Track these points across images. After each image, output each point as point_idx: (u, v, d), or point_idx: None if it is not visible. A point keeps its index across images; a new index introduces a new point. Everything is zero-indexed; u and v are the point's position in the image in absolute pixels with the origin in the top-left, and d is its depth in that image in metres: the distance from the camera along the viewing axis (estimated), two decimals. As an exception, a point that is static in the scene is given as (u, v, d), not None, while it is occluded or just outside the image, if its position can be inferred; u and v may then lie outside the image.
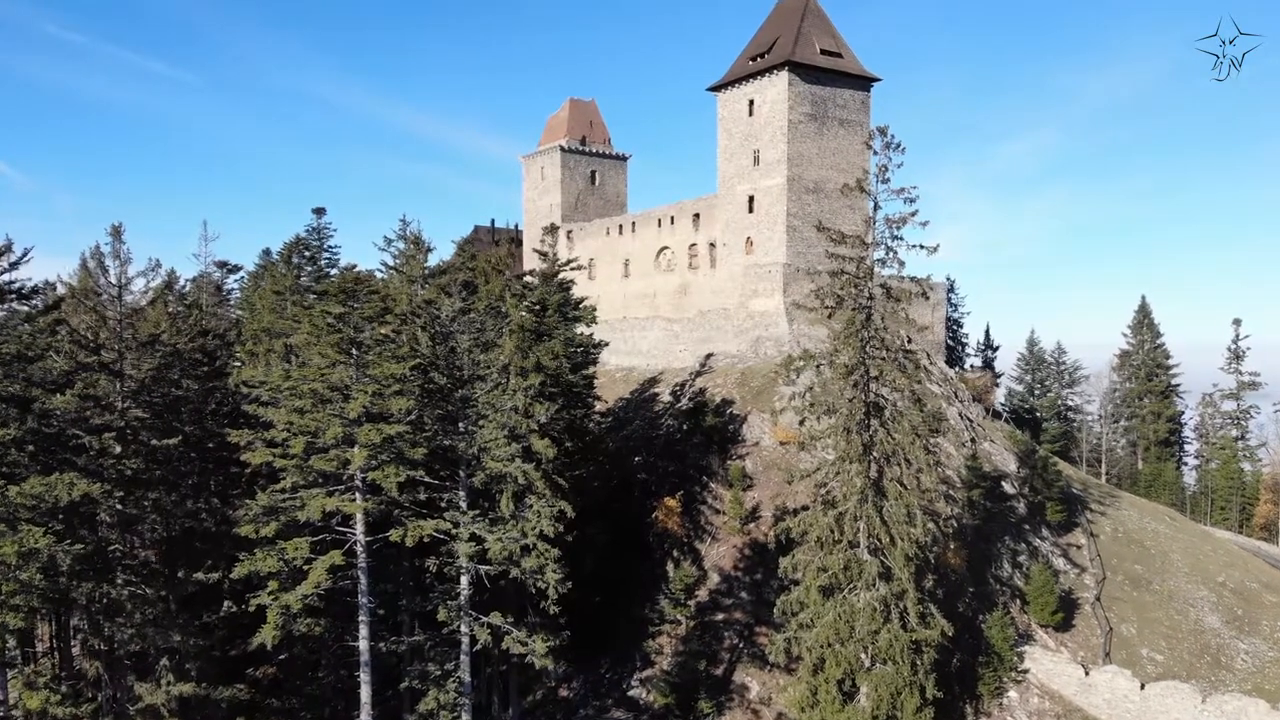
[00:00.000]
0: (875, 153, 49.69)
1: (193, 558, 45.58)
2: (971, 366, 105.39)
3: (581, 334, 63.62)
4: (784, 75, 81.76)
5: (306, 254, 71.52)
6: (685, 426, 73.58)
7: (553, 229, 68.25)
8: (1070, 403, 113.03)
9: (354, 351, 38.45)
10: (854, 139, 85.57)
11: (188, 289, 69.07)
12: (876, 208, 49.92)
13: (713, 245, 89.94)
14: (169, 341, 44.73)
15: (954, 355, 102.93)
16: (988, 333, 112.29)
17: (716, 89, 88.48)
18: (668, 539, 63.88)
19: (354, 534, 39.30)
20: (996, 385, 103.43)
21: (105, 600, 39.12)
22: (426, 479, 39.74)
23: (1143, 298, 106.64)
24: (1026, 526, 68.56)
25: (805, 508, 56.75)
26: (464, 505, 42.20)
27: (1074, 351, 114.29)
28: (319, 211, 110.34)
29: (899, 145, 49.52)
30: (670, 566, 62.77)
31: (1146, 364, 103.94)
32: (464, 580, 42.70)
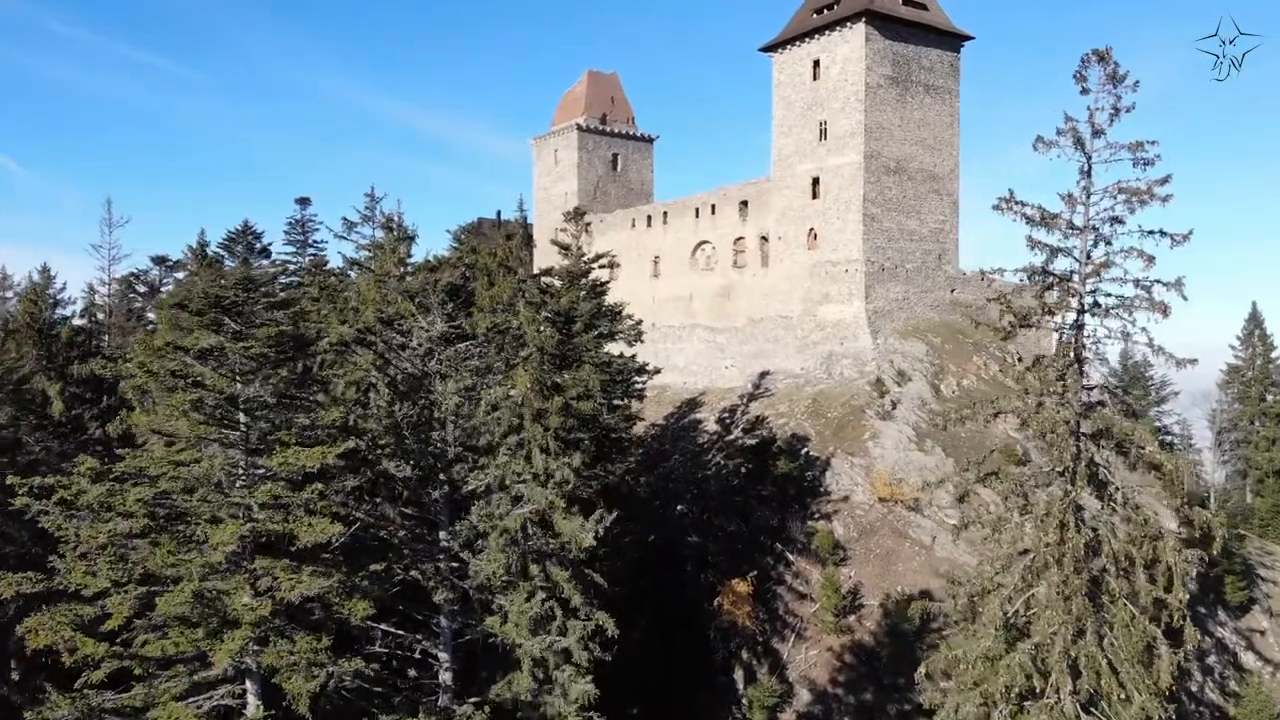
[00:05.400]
0: (1088, 91, 30.60)
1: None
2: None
3: (621, 355, 44.64)
4: (860, 28, 62.52)
5: (258, 247, 52.01)
6: (745, 470, 54.44)
7: (578, 214, 48.90)
8: (1157, 424, 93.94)
9: (240, 419, 19.22)
10: (942, 109, 66.43)
11: (62, 290, 49.32)
12: (1087, 172, 30.75)
13: (764, 239, 70.68)
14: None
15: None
16: (1057, 343, 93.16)
17: (771, 49, 69.16)
18: (736, 636, 44.76)
19: (241, 756, 20.13)
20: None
21: None
22: (378, 650, 20.55)
23: (1253, 304, 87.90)
24: (1202, 610, 49.51)
25: (948, 617, 37.77)
26: (449, 680, 22.99)
27: (1160, 365, 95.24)
28: (303, 201, 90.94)
29: (1127, 79, 30.33)
30: (740, 676, 43.75)
31: (1259, 381, 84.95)
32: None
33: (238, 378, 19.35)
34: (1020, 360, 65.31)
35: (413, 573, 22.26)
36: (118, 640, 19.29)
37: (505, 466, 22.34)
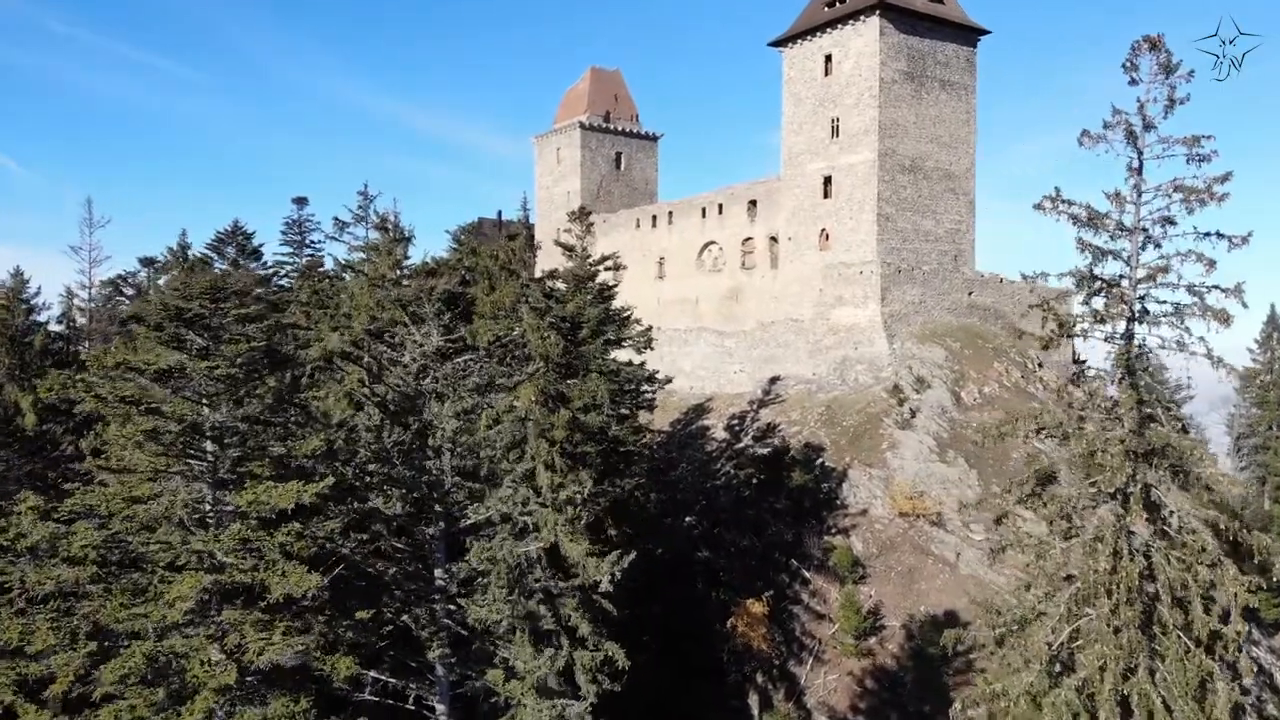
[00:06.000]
0: (1138, 81, 28.07)
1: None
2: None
3: (629, 362, 42.15)
4: (874, 22, 60.07)
5: (249, 248, 49.39)
6: (757, 480, 51.94)
7: (583, 213, 46.39)
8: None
9: (206, 448, 16.74)
10: (958, 105, 63.97)
11: (36, 295, 46.09)
12: (1138, 169, 28.22)
13: (774, 239, 68.19)
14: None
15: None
16: (1074, 349, 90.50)
17: (781, 44, 66.72)
18: (750, 659, 42.29)
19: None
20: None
21: None
22: (367, 699, 18.08)
23: (1271, 307, 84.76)
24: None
25: (978, 642, 35.25)
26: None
27: (1175, 370, 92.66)
28: (300, 201, 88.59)
29: (1180, 68, 27.80)
30: (754, 701, 41.29)
31: (1278, 386, 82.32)
32: None
33: (203, 401, 16.87)
34: (1041, 365, 63.07)
35: (404, 618, 19.80)
36: (69, 698, 16.85)
37: (510, 499, 19.84)
